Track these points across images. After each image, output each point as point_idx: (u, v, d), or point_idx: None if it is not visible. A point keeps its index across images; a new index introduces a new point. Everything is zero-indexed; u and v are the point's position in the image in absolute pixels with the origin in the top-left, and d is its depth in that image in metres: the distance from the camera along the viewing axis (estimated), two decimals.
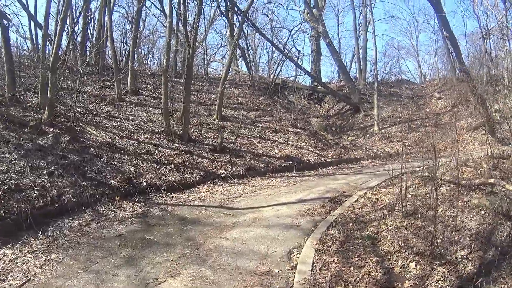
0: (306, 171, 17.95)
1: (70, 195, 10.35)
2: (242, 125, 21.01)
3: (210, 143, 18.08)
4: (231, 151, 17.66)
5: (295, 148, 20.27)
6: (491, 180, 8.95)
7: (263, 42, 39.84)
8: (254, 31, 33.88)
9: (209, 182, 14.48)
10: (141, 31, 33.52)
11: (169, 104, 18.19)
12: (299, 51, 32.85)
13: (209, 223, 9.68)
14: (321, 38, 33.97)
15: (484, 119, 23.56)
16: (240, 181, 15.24)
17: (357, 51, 37.45)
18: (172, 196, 12.48)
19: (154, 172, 13.72)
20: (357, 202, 11.34)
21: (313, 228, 9.21)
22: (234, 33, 27.16)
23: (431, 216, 8.05)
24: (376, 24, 39.75)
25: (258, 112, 24.77)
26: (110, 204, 10.88)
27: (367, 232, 8.56)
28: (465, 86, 29.90)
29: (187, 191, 13.33)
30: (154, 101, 21.57)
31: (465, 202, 8.69)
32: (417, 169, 15.75)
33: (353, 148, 23.01)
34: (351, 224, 9.34)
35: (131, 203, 11.18)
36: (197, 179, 14.44)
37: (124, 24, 33.94)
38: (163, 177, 13.59)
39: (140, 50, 35.64)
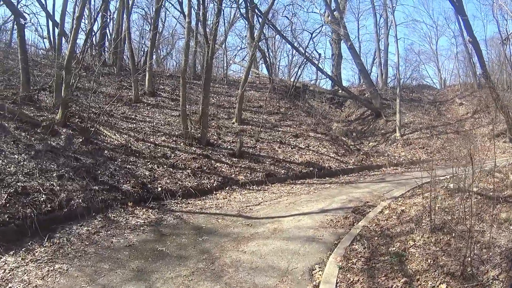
0: (327, 178, 17.28)
1: (80, 200, 9.80)
2: (262, 129, 20.39)
3: (229, 147, 17.47)
4: (251, 156, 17.07)
5: (316, 154, 19.57)
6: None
7: (284, 45, 39.52)
8: (274, 34, 33.51)
9: (227, 188, 13.87)
10: (161, 32, 33.91)
11: (187, 107, 17.65)
12: (320, 54, 32.25)
13: (226, 233, 9.01)
14: (342, 41, 33.45)
15: (507, 126, 22.95)
16: (259, 188, 14.60)
17: (378, 55, 36.87)
18: (188, 203, 11.88)
19: (170, 177, 13.15)
20: (382, 213, 10.69)
21: (336, 242, 8.50)
22: (254, 35, 26.62)
23: (460, 231, 7.45)
24: (397, 27, 38.73)
25: (278, 116, 24.10)
26: (122, 210, 10.32)
27: (394, 248, 7.84)
28: (486, 92, 29.40)
29: (204, 197, 12.73)
30: (172, 103, 21.03)
31: (493, 216, 8.03)
32: (442, 178, 15.16)
33: (375, 155, 22.24)
34: (376, 238, 8.64)
35: (144, 210, 10.61)
36: (214, 185, 13.82)
37: (143, 25, 33.62)
38: (179, 182, 13.00)
39: (159, 51, 35.76)
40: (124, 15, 21.53)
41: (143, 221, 9.69)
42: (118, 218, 9.77)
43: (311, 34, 28.75)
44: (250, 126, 20.82)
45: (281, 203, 12.20)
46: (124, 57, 26.30)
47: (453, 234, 7.54)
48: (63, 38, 18.50)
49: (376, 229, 9.31)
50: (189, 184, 13.10)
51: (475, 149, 23.10)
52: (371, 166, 20.49)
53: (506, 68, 30.44)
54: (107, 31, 26.91)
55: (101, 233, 8.71)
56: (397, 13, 43.16)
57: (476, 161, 19.78)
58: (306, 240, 8.59)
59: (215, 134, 18.62)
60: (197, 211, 11.06)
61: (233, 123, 20.84)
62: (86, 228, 8.90)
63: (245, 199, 12.84)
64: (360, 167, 19.90)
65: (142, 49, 30.75)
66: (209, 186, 13.58)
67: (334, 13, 29.66)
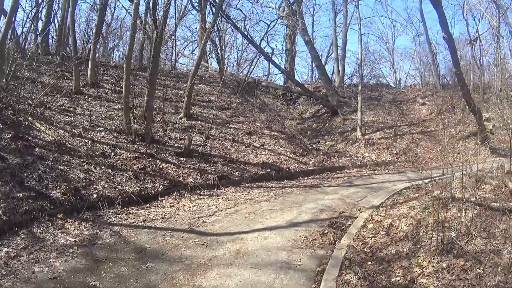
0: (286, 181, 15.90)
1: (0, 211, 8.05)
2: (212, 126, 18.69)
3: (176, 145, 15.78)
4: (200, 155, 15.43)
5: (273, 154, 18.12)
6: None
7: (235, 39, 38.23)
8: (226, 27, 32.36)
9: (174, 194, 12.16)
10: (109, 24, 32.32)
11: (131, 98, 15.89)
12: (273, 49, 31.23)
13: (176, 258, 7.31)
14: (296, 36, 32.43)
15: (477, 127, 22.62)
16: (212, 193, 12.98)
17: (335, 51, 35.98)
18: (129, 213, 10.15)
19: (108, 180, 11.36)
20: (365, 228, 9.36)
21: (319, 270, 7.01)
22: (206, 26, 25.08)
23: (473, 252, 6.41)
24: (353, 25, 38.11)
25: (230, 111, 22.45)
26: (50, 224, 8.52)
27: (398, 278, 6.47)
28: (451, 93, 29.21)
29: (148, 205, 11.00)
30: (115, 95, 19.00)
31: (504, 231, 7.07)
32: (419, 182, 14.23)
33: (336, 155, 21.01)
34: (369, 263, 7.24)
35: (76, 223, 8.85)
36: (160, 189, 12.08)
37: (90, 15, 31.56)
38: (118, 186, 11.24)
39: (107, 43, 34.11)
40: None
41: (74, 240, 7.92)
42: (45, 235, 8.03)
43: (268, 25, 27.40)
44: (200, 122, 19.09)
45: (240, 213, 10.60)
46: (68, 45, 24.30)
47: (467, 257, 6.38)
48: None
49: (365, 249, 7.96)
50: (131, 189, 11.37)
51: (445, 151, 22.68)
52: (333, 168, 19.19)
53: (473, 68, 30.31)
54: (56, 19, 24.77)
55: (22, 258, 6.98)
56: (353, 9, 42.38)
57: (445, 164, 19.12)
58: (281, 267, 7.06)
59: (161, 130, 16.79)
60: (140, 224, 9.34)
61: (181, 118, 19.04)
62: (5, 249, 7.18)
63: (196, 207, 11.17)
64: (321, 168, 18.58)
65: (89, 40, 28.90)
66: (153, 191, 11.87)
67: (293, 6, 28.38)
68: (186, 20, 36.51)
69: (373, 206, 11.32)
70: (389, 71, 43.33)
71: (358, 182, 15.80)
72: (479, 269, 5.96)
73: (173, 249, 7.73)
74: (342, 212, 10.95)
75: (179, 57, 34.73)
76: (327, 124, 26.58)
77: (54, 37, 24.87)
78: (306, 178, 16.73)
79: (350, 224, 9.69)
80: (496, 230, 7.15)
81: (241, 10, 30.64)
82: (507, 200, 8.28)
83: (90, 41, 25.02)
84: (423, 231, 7.93)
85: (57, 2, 24.12)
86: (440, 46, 38.85)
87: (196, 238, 8.37)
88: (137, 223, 9.39)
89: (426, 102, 30.18)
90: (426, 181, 13.44)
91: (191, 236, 8.50)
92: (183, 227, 9.18)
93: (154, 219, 9.77)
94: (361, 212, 10.96)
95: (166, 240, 8.24)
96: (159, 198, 11.64)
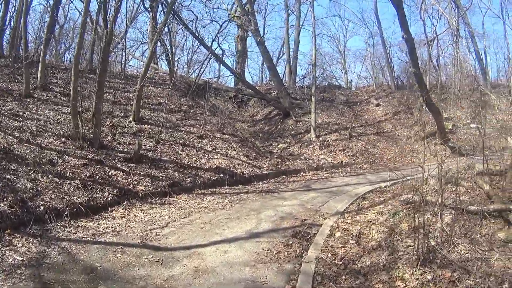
0: (240, 186, 15.75)
1: None
2: (162, 129, 18.30)
3: (125, 150, 15.35)
4: (151, 160, 15.06)
5: (226, 158, 17.90)
6: (502, 206, 7.55)
7: (185, 41, 37.74)
8: (178, 28, 31.59)
9: (124, 203, 11.76)
10: (62, 26, 31.86)
11: (79, 101, 15.37)
12: (223, 50, 30.85)
13: (129, 278, 6.86)
14: (248, 37, 32.29)
15: (436, 127, 22.97)
16: (163, 201, 12.66)
17: (287, 52, 36.10)
18: (78, 226, 9.68)
19: (56, 190, 10.87)
20: (333, 237, 9.07)
21: (288, 287, 6.69)
22: (157, 28, 24.64)
23: (459, 261, 6.26)
24: (305, 27, 38.40)
25: (180, 114, 22.07)
26: None
27: None
28: (406, 93, 29.74)
29: (97, 216, 10.55)
30: (65, 98, 18.27)
31: (487, 236, 7.02)
32: (382, 185, 14.22)
33: (290, 158, 20.98)
34: (343, 277, 6.91)
35: (24, 238, 8.36)
36: (109, 199, 11.66)
37: (42, 16, 30.55)
38: (66, 197, 10.74)
39: (60, 46, 33.72)
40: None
41: (21, 259, 7.41)
42: None
43: (220, 25, 27.19)
44: (149, 126, 18.66)
45: (195, 224, 10.23)
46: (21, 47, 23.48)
47: (453, 267, 6.17)
48: None
49: (336, 261, 7.64)
50: (79, 199, 10.90)
51: (403, 152, 22.98)
52: (288, 171, 19.14)
53: (429, 69, 30.95)
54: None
55: None
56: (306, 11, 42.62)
57: (405, 164, 19.32)
58: (246, 287, 6.69)
59: (110, 134, 16.30)
60: (89, 238, 8.88)
61: (130, 122, 18.53)
62: None
63: (148, 217, 10.79)
64: (276, 172, 18.50)
65: (41, 41, 27.97)
66: (103, 201, 11.42)
67: (245, 6, 28.17)
68: (137, 22, 36.04)
69: (338, 212, 11.06)
70: (340, 73, 43.68)
71: (317, 186, 15.70)
72: (469, 280, 5.81)
73: (126, 268, 7.31)
74: (305, 219, 10.60)
75: (129, 59, 34.52)
76: (279, 126, 26.61)
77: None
78: (261, 183, 16.62)
79: (315, 233, 9.38)
80: (479, 235, 7.09)
81: (192, 11, 30.01)
82: (484, 203, 8.16)
83: (42, 42, 24.40)
84: (398, 239, 7.77)
85: (14, 3, 23.59)
86: (394, 47, 39.48)
87: (149, 254, 7.98)
88: (87, 237, 8.95)
89: (381, 103, 30.84)
90: (389, 183, 13.45)
91: (144, 252, 8.10)
92: (135, 241, 8.78)
93: (104, 233, 9.36)
94: (324, 219, 10.66)
95: (117, 258, 7.82)
96: (109, 209, 11.21)
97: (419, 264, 6.49)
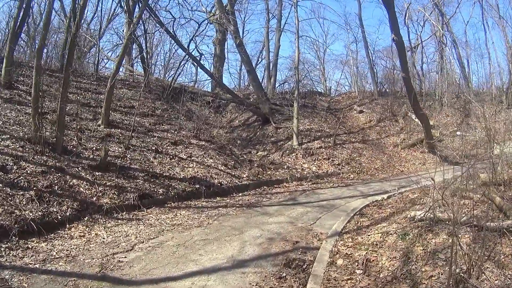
0: (218, 198, 14.27)
1: None
2: (134, 134, 16.71)
3: (91, 156, 13.79)
4: (119, 169, 13.48)
5: (202, 166, 16.36)
6: None
7: (163, 45, 36.50)
8: (154, 30, 30.59)
9: (86, 219, 10.22)
10: (38, 24, 29.52)
11: (42, 101, 14.04)
12: (201, 53, 29.44)
13: None
14: (226, 41, 31.25)
15: (425, 135, 22.78)
16: (131, 216, 11.13)
17: (267, 56, 35.01)
18: (27, 248, 8.11)
19: (5, 203, 9.29)
20: (334, 265, 7.45)
21: None
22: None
23: None
24: (286, 30, 37.43)
25: (154, 118, 20.40)
26: None
27: None
28: (390, 100, 29.14)
29: (52, 235, 9.01)
30: (30, 98, 16.60)
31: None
32: (377, 197, 13.09)
33: (272, 167, 19.47)
34: None
35: None
36: (68, 214, 10.08)
37: (11, 10, 29.14)
38: (16, 211, 9.17)
39: (34, 46, 31.63)
40: None
41: None
42: None
43: (198, 25, 25.94)
44: (120, 130, 17.05)
45: (166, 246, 8.59)
46: None
47: None
48: None
49: None
50: (31, 214, 9.32)
51: (390, 161, 22.04)
52: (270, 181, 17.59)
53: (413, 75, 31.33)
54: None
55: None
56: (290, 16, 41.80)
57: (395, 174, 18.24)
58: None
59: (75, 138, 14.65)
60: (38, 266, 7.26)
61: (99, 126, 16.85)
62: None
63: (111, 238, 9.19)
64: (257, 183, 16.97)
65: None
66: (60, 217, 9.86)
67: (227, 8, 26.81)
68: (114, 24, 34.59)
69: (335, 233, 9.48)
70: (318, 79, 42.76)
71: (304, 199, 14.19)
72: None
73: None
74: (296, 241, 8.97)
75: (103, 58, 32.79)
76: (259, 133, 25.29)
77: None
78: (241, 195, 15.18)
79: (312, 260, 7.71)
80: (502, 256, 6.02)
81: (170, 12, 28.74)
82: (497, 217, 7.12)
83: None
84: (415, 267, 6.42)
85: None
86: (378, 53, 38.73)
87: None
88: (35, 264, 7.33)
89: (364, 110, 30.17)
90: (385, 196, 12.51)
91: (102, 287, 6.53)
92: (92, 270, 7.11)
93: (58, 258, 7.75)
94: (319, 240, 9.09)
95: None
96: (67, 226, 9.67)
97: None
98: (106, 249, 8.36)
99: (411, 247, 7.14)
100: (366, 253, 7.68)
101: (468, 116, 28.01)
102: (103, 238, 9.14)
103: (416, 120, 25.99)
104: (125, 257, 7.94)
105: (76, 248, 8.39)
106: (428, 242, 6.98)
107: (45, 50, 28.89)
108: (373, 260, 7.32)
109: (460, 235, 6.72)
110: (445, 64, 30.61)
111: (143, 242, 8.91)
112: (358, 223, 10.20)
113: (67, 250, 8.22)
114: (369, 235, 8.72)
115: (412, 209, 9.53)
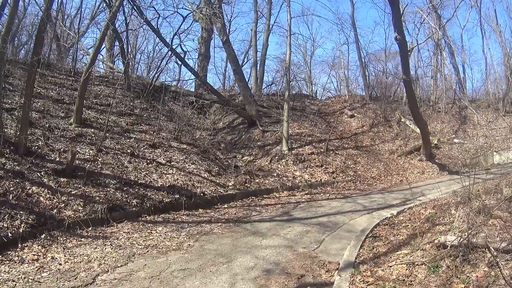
0: (201, 211, 12.73)
1: None
2: (108, 134, 15.12)
3: (58, 159, 12.20)
4: (88, 174, 11.88)
5: (183, 173, 14.76)
6: None
7: (147, 44, 35.22)
8: (138, 26, 30.15)
9: (43, 237, 8.60)
10: (21, 18, 28.89)
11: (2, 95, 12.56)
12: (185, 51, 28.18)
13: None
14: (212, 39, 30.20)
15: (422, 142, 22.30)
16: (98, 233, 9.57)
17: (254, 57, 33.48)
18: None
19: None
20: None
21: None
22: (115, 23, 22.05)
23: None
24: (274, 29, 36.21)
25: (132, 118, 18.65)
26: None
27: None
28: (383, 105, 28.35)
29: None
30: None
31: None
32: (383, 213, 11.92)
33: (261, 174, 17.93)
34: None
35: None
36: (21, 230, 8.49)
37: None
38: None
39: (20, 40, 31.36)
40: None
41: None
42: None
43: (184, 18, 24.62)
44: (93, 130, 15.41)
45: (135, 280, 6.82)
46: None
47: None
48: None
49: None
50: None
51: (388, 169, 21.02)
52: (259, 191, 16.02)
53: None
54: None
55: None
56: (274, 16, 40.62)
57: (394, 184, 17.10)
58: None
59: (42, 138, 13.04)
60: None
61: (71, 124, 15.20)
62: None
63: (69, 263, 7.52)
64: (244, 192, 15.46)
65: None
66: (11, 234, 8.23)
67: (214, 5, 25.39)
68: (98, 21, 33.34)
69: (348, 263, 7.55)
70: (304, 82, 41.67)
71: (300, 214, 12.52)
72: None
73: None
74: (302, 275, 7.09)
75: (84, 55, 31.89)
76: (244, 136, 23.92)
77: None
78: (226, 206, 13.68)
79: None
80: None
81: (154, 8, 27.24)
82: None
83: None
84: None
85: None
86: (369, 56, 37.81)
87: None
88: None
89: (355, 114, 29.26)
90: (394, 212, 11.35)
91: None
92: None
93: None
94: (329, 272, 7.26)
95: None
96: (19, 245, 8.06)
97: None
98: (60, 280, 6.74)
99: (448, 284, 5.69)
100: None
101: (464, 123, 27.27)
102: (60, 263, 7.46)
103: (411, 126, 25.31)
104: None
105: (24, 278, 6.74)
106: (467, 277, 5.59)
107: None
108: None
109: (501, 265, 5.52)
110: (442, 68, 29.92)
111: (107, 271, 7.24)
112: (373, 248, 8.48)
113: (13, 281, 6.59)
114: (390, 267, 7.01)
115: (435, 230, 8.10)
